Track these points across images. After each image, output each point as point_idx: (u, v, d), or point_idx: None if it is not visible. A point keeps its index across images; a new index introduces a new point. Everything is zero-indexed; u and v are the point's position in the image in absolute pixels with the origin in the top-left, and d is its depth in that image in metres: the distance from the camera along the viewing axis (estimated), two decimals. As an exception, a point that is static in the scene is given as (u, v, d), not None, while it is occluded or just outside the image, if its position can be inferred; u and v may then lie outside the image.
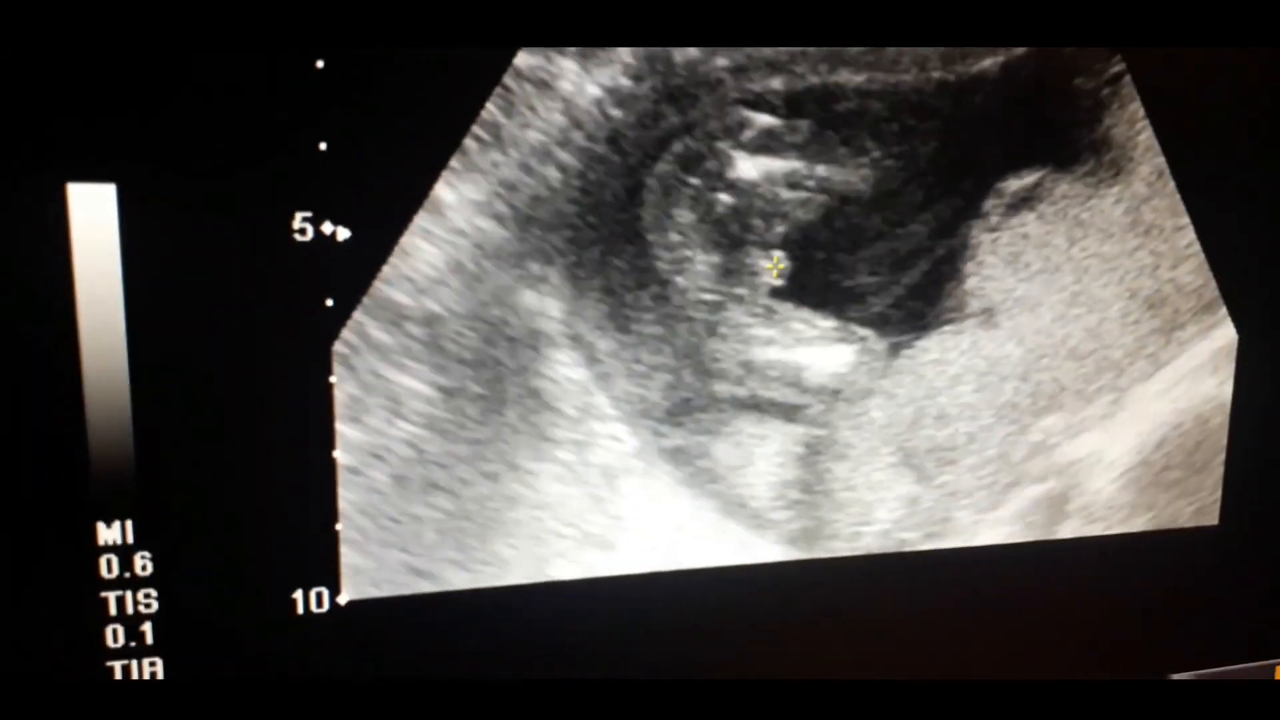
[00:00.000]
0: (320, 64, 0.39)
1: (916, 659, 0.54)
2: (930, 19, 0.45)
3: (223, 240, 0.40)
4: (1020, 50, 0.49)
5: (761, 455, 0.49)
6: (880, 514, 0.51)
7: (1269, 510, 0.58)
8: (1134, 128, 0.51)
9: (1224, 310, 0.55)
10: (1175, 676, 0.59)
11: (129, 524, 0.40)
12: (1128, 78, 0.50)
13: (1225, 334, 0.55)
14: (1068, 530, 0.55)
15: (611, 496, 0.47)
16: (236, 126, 0.39)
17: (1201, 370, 0.55)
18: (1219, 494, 0.57)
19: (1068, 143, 0.51)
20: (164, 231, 0.39)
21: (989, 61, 0.48)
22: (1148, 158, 0.52)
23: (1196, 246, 0.53)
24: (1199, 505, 0.57)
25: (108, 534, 0.40)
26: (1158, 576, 0.57)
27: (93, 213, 0.38)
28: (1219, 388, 0.56)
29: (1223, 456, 0.57)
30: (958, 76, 0.48)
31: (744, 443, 0.49)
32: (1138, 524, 0.56)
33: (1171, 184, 0.52)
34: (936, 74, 0.48)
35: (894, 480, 0.51)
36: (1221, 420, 0.56)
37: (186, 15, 0.37)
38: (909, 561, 0.52)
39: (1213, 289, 0.54)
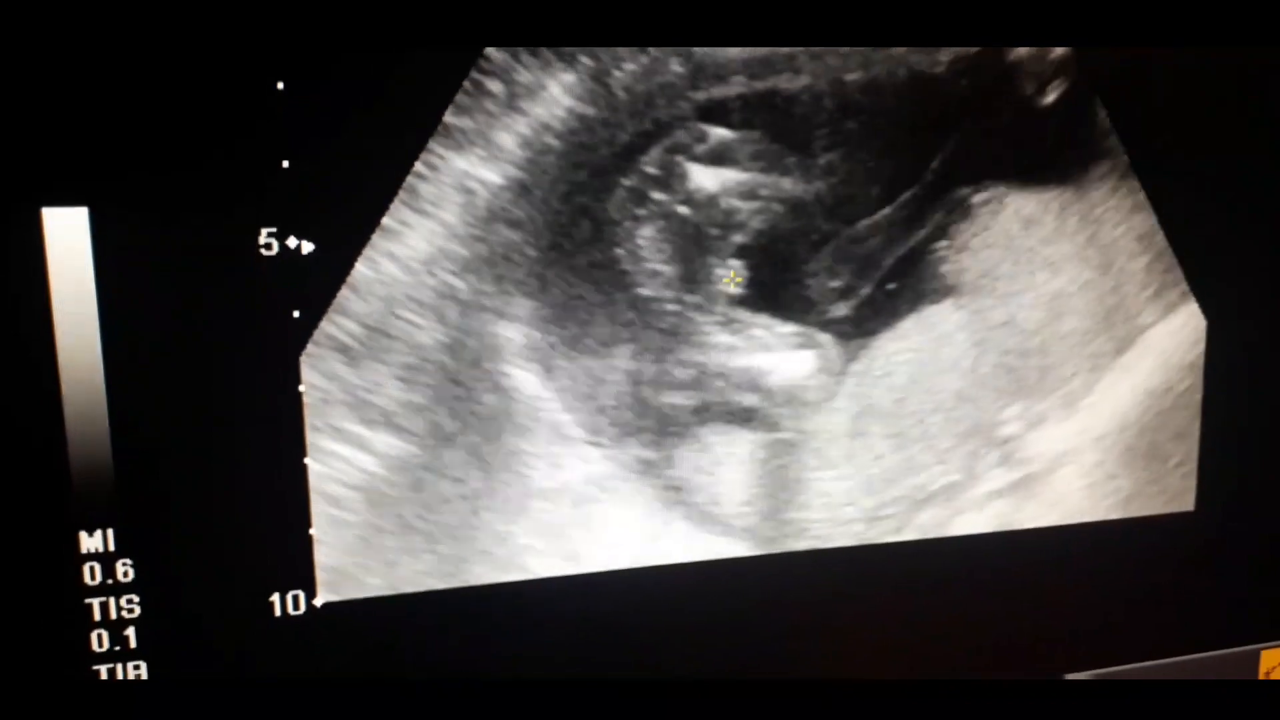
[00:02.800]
0: (280, 85, 0.41)
1: (891, 652, 0.54)
2: (906, 18, 0.46)
3: (192, 256, 0.41)
4: (970, 50, 0.50)
5: (727, 462, 0.50)
6: (848, 511, 0.52)
7: (1244, 494, 0.58)
8: (1091, 121, 0.52)
9: (1190, 298, 0.55)
10: (1157, 662, 0.59)
11: (110, 533, 0.42)
12: (1081, 74, 0.51)
13: (1192, 320, 0.56)
14: (1038, 520, 0.55)
15: (579, 505, 0.48)
16: (201, 147, 0.41)
17: (1166, 356, 0.56)
18: (1194, 480, 0.58)
19: (1021, 141, 0.52)
20: (135, 250, 0.41)
21: (940, 60, 0.50)
22: (1105, 150, 0.53)
23: (1157, 237, 0.54)
24: (1173, 491, 0.58)
25: (90, 542, 0.42)
26: (1135, 563, 0.58)
27: (66, 234, 0.40)
28: (1187, 374, 0.56)
29: (1196, 442, 0.57)
30: (907, 77, 0.49)
31: (709, 451, 0.50)
32: (1109, 512, 0.56)
33: (1129, 175, 0.53)
34: (889, 76, 0.49)
35: (859, 478, 0.52)
36: (1191, 406, 0.57)
37: (151, 41, 0.39)
38: (880, 554, 0.53)
39: (1176, 277, 0.55)
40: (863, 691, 0.49)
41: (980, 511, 0.54)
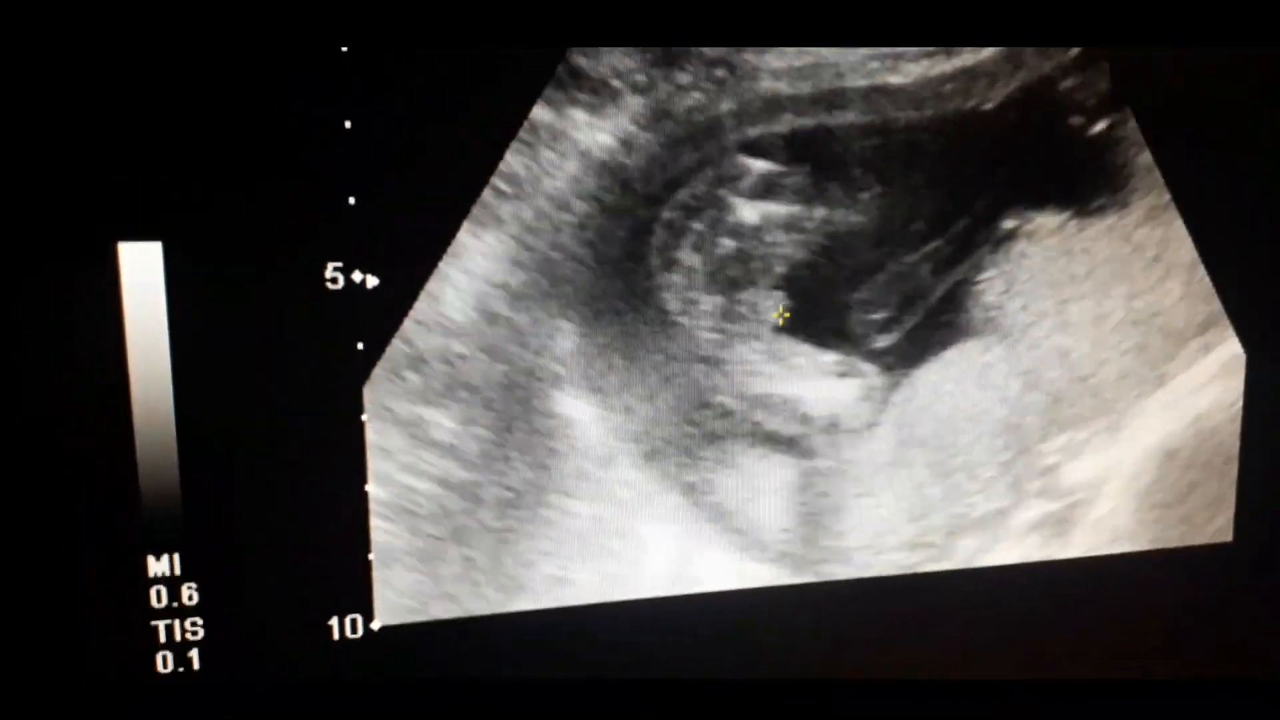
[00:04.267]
0: (348, 124, 0.42)
1: (928, 679, 0.55)
2: (931, 19, 0.47)
3: (260, 290, 0.43)
4: (1015, 85, 0.51)
5: (769, 488, 0.51)
6: (888, 540, 0.53)
7: (1282, 527, 0.59)
8: (1132, 155, 0.53)
9: (1229, 329, 0.56)
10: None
11: (176, 557, 0.43)
12: (1125, 110, 0.52)
13: (1231, 351, 0.56)
14: (1077, 550, 0.56)
15: (624, 530, 0.49)
16: (271, 184, 0.42)
17: (1207, 388, 0.56)
18: (1232, 511, 0.58)
19: (1065, 174, 0.53)
20: (205, 283, 0.42)
21: (985, 98, 0.51)
22: (1146, 184, 0.54)
23: (1198, 269, 0.55)
24: (1212, 522, 0.58)
25: (157, 566, 0.43)
26: (1174, 593, 0.58)
27: (141, 268, 0.41)
28: (1227, 405, 0.57)
29: (1234, 473, 0.58)
30: (954, 114, 0.50)
31: (752, 477, 0.51)
32: (1149, 542, 0.57)
33: (1169, 208, 0.54)
34: (931, 112, 0.50)
35: (900, 507, 0.53)
36: (1231, 437, 0.57)
37: (224, 83, 0.40)
38: (919, 582, 0.53)
39: (1216, 309, 0.56)
40: (862, 692, 0.49)
41: (1020, 541, 0.55)
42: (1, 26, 0.38)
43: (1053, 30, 0.49)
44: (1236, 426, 0.57)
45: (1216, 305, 0.56)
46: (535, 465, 0.47)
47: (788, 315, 0.49)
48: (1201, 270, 0.55)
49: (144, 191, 0.41)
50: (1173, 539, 0.58)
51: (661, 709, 0.49)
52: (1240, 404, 0.57)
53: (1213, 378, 0.57)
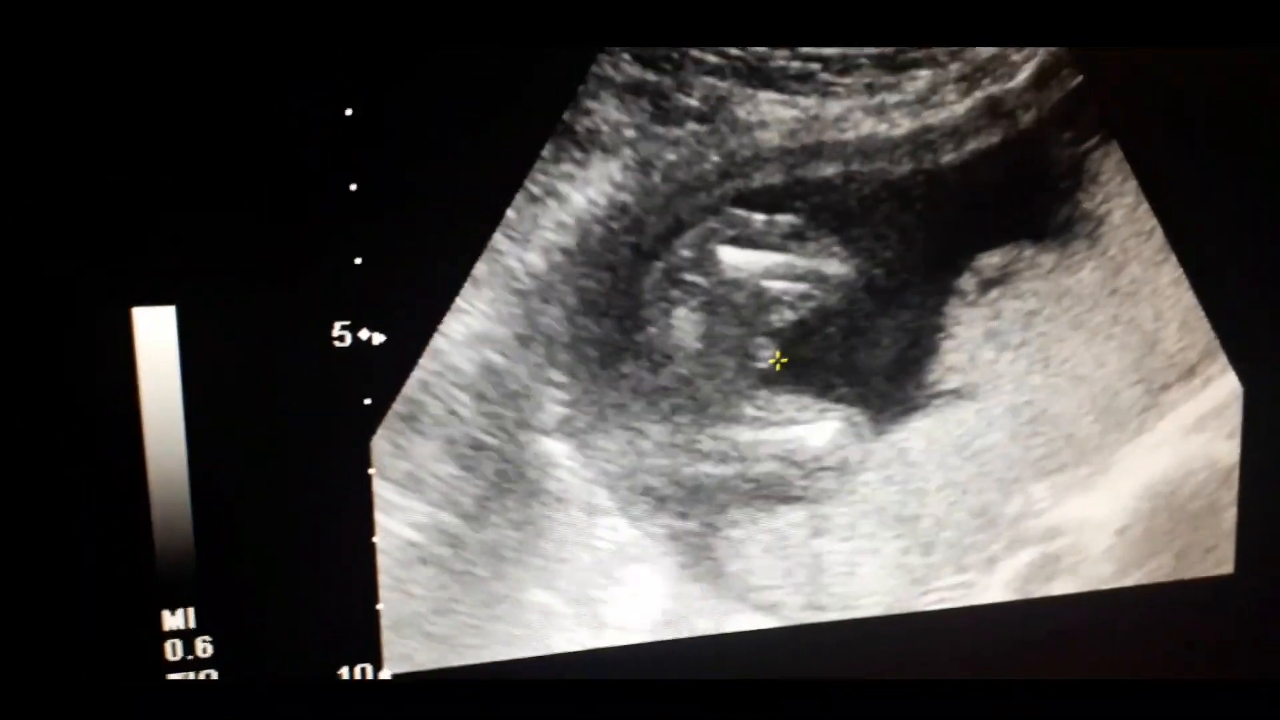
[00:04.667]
0: (353, 187, 0.44)
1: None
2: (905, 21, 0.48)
3: (270, 349, 0.44)
4: (994, 138, 0.52)
5: (757, 534, 0.52)
6: (877, 584, 0.54)
7: (1283, 557, 0.60)
8: (1111, 197, 0.54)
9: (1220, 362, 0.57)
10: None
11: (191, 611, 0.44)
12: (1102, 149, 0.53)
13: (1229, 386, 0.57)
14: (1077, 586, 0.56)
15: (618, 580, 0.50)
16: (279, 247, 0.44)
17: (1205, 423, 0.57)
18: (1232, 542, 0.59)
19: (1043, 219, 0.54)
20: (218, 345, 0.43)
21: (962, 148, 0.52)
22: (1127, 224, 0.55)
23: (1182, 304, 0.56)
24: (1213, 554, 0.59)
25: (172, 621, 0.44)
26: (1176, 625, 0.59)
27: (155, 332, 0.43)
28: (1225, 438, 0.58)
29: (1234, 505, 0.58)
30: (932, 165, 0.52)
31: (739, 523, 0.51)
32: (1149, 576, 0.57)
33: (1152, 246, 0.55)
34: (909, 165, 0.51)
35: (888, 551, 0.54)
36: (1228, 470, 0.58)
37: (232, 153, 0.42)
38: (911, 623, 0.54)
39: (1212, 346, 0.56)
40: (862, 692, 0.50)
41: (1013, 582, 0.56)
42: (21, 101, 0.40)
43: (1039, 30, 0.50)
44: (1235, 458, 0.58)
45: (1207, 342, 0.57)
46: (526, 515, 0.48)
47: (784, 361, 0.50)
48: (1196, 306, 0.56)
49: (158, 259, 0.42)
50: (1175, 572, 0.58)
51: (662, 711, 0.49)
52: (1239, 436, 0.58)
53: (1209, 411, 0.57)
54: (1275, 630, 0.60)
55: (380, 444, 0.46)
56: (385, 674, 0.47)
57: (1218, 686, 0.55)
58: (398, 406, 0.46)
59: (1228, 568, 0.59)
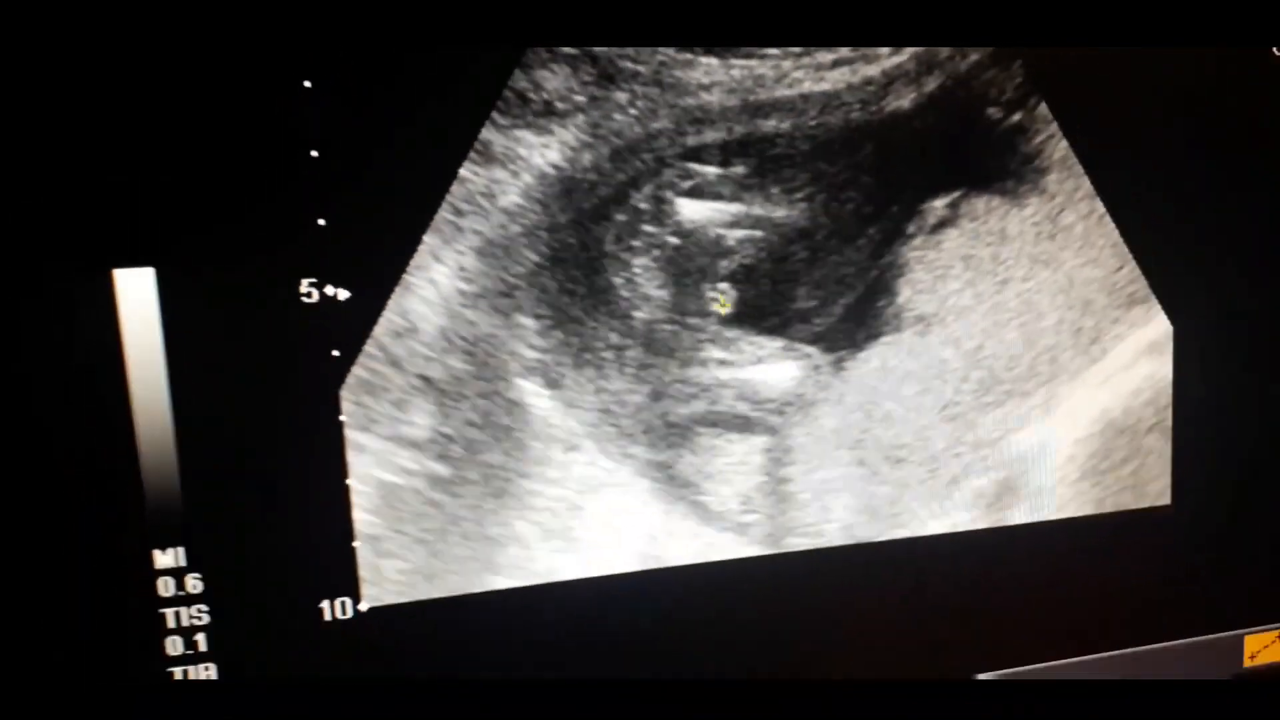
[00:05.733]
0: (315, 153, 0.47)
1: (883, 644, 0.59)
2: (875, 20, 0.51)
3: (243, 306, 0.47)
4: (932, 85, 0.55)
5: (725, 464, 0.55)
6: (836, 512, 0.57)
7: (1218, 488, 0.62)
8: (1048, 143, 0.57)
9: (1154, 304, 0.60)
10: (1145, 648, 0.63)
11: (181, 550, 0.48)
12: (1035, 97, 0.56)
13: (1158, 325, 0.60)
14: (1022, 517, 0.60)
15: (591, 509, 0.53)
16: (248, 210, 0.47)
17: (1139, 361, 0.60)
18: (1169, 476, 0.62)
19: (984, 164, 0.57)
20: (194, 303, 0.47)
21: (904, 98, 0.55)
22: (1063, 169, 0.57)
23: (1119, 248, 0.59)
24: (1150, 488, 0.62)
25: (163, 559, 0.48)
26: (1118, 556, 0.62)
27: (136, 291, 0.46)
28: (1159, 377, 0.61)
29: (1169, 440, 0.61)
30: (876, 114, 0.55)
31: (709, 455, 0.55)
32: (1090, 507, 0.61)
33: (1089, 191, 0.58)
34: (855, 114, 0.54)
35: (847, 479, 0.57)
36: (1163, 406, 0.61)
37: (207, 120, 0.45)
38: (870, 552, 0.57)
39: (1140, 285, 0.59)
40: (862, 692, 0.53)
41: (966, 510, 0.59)
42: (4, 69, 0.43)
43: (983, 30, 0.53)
44: (1168, 395, 0.61)
45: (1140, 285, 0.59)
46: (503, 454, 0.52)
47: (727, 305, 0.54)
48: (1123, 253, 0.59)
49: (138, 223, 0.46)
50: (1114, 504, 0.61)
51: (653, 708, 0.52)
52: (1170, 374, 0.61)
53: (1143, 351, 0.60)
54: (1212, 559, 0.63)
55: (359, 393, 0.49)
56: (363, 606, 0.50)
57: (1218, 686, 0.58)
58: (379, 361, 0.49)
59: (1165, 500, 0.62)
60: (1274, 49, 0.60)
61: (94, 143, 0.45)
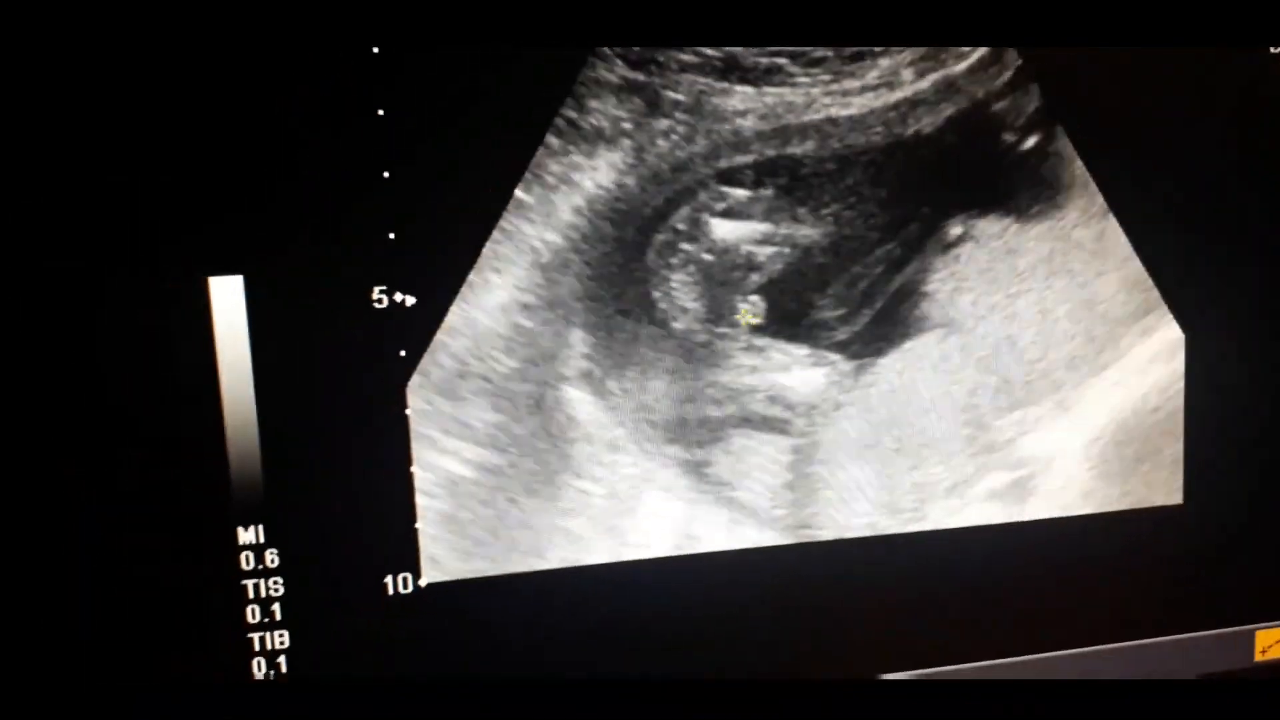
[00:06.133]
0: (386, 174, 0.53)
1: (899, 632, 0.63)
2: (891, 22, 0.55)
3: (320, 310, 0.53)
4: (952, 110, 0.59)
5: (756, 464, 0.60)
6: (860, 506, 0.61)
7: (1229, 488, 0.66)
8: (1064, 162, 0.61)
9: (1165, 312, 0.63)
10: (1156, 640, 0.66)
11: (261, 528, 0.53)
12: (1050, 119, 0.60)
13: (1171, 333, 0.64)
14: (1036, 514, 0.63)
15: (631, 503, 0.58)
16: (327, 225, 0.52)
17: (1151, 367, 0.64)
18: (1181, 475, 0.65)
19: (1002, 184, 0.61)
20: (278, 307, 0.52)
21: (925, 122, 0.59)
22: (1079, 190, 0.61)
23: (1132, 259, 0.62)
24: (1162, 486, 0.65)
25: (245, 536, 0.53)
26: (1130, 552, 0.65)
27: (227, 297, 0.52)
28: (1170, 381, 0.64)
29: (1181, 441, 0.65)
30: (898, 137, 0.59)
31: (740, 454, 0.59)
32: (1102, 505, 0.64)
33: (1102, 207, 0.61)
34: (878, 137, 0.59)
35: (870, 478, 0.61)
36: (1176, 410, 0.64)
37: (286, 154, 0.51)
38: (890, 544, 0.62)
39: (1154, 296, 0.63)
40: (861, 692, 0.56)
41: (981, 507, 0.63)
42: (106, 85, 0.49)
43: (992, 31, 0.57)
44: (1180, 400, 0.64)
45: (1154, 293, 0.63)
46: (552, 451, 0.57)
47: (753, 317, 0.58)
48: (1137, 262, 0.62)
49: (230, 237, 0.52)
50: (1128, 503, 0.65)
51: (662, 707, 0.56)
52: (1182, 378, 0.64)
53: (1155, 357, 0.64)
54: (1223, 556, 0.66)
55: (422, 389, 0.54)
56: (423, 582, 0.56)
57: (1216, 687, 0.60)
58: (442, 361, 0.54)
59: (1177, 499, 0.65)
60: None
61: (196, 166, 0.51)
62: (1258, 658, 0.68)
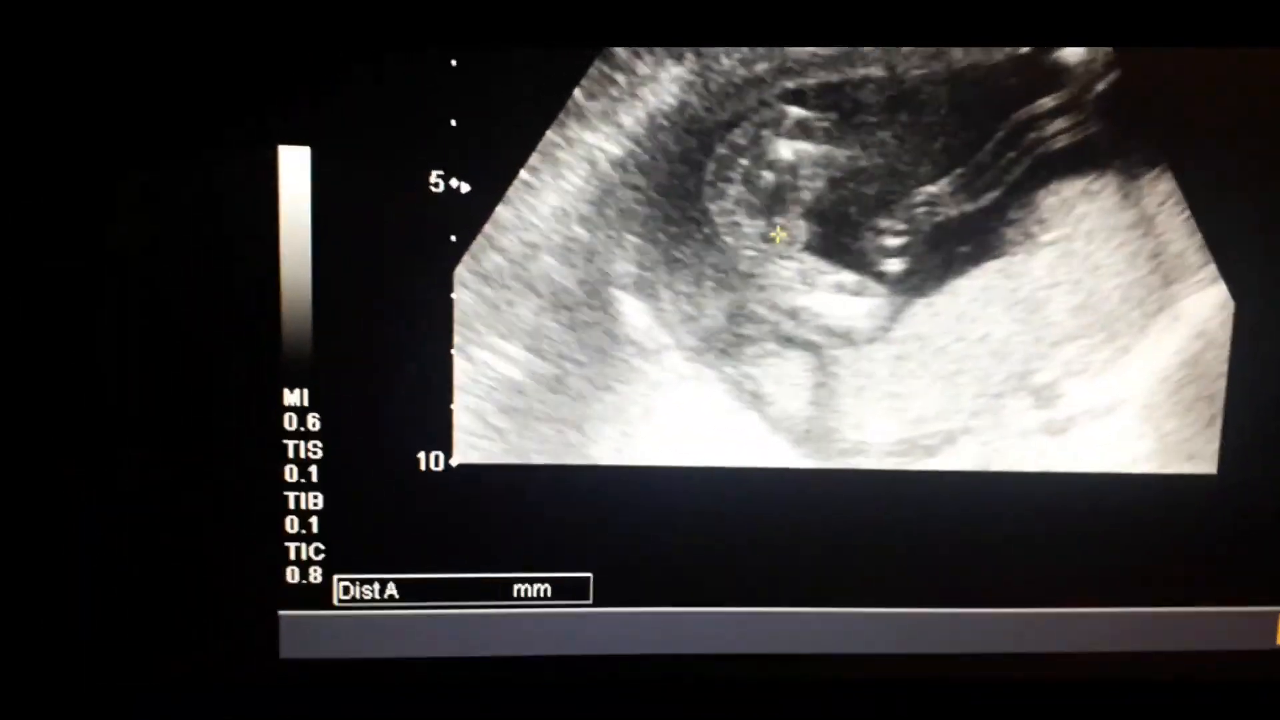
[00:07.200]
0: (454, 62, 0.55)
1: (907, 572, 0.63)
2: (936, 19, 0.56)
3: (380, 190, 0.55)
4: (1017, 50, 0.59)
5: (792, 384, 0.60)
6: (890, 436, 0.62)
7: (1266, 462, 0.65)
8: (1132, 112, 0.60)
9: (1219, 280, 0.62)
10: (1174, 609, 0.66)
11: (306, 392, 0.56)
12: (1120, 69, 0.60)
13: (1221, 298, 0.63)
14: (1066, 465, 0.63)
15: (664, 408, 0.59)
16: (392, 110, 0.54)
17: (1199, 330, 0.63)
18: (1217, 444, 0.64)
19: (1066, 128, 0.60)
20: (341, 181, 0.55)
21: (991, 57, 0.59)
22: (1143, 140, 0.61)
23: (1191, 222, 0.62)
24: (1198, 454, 0.65)
25: (291, 397, 0.56)
26: (1158, 518, 0.65)
27: (294, 166, 0.54)
28: (1216, 347, 0.63)
29: (1221, 409, 0.64)
30: (961, 66, 0.59)
31: (779, 373, 0.60)
32: (1135, 465, 0.64)
33: (1166, 167, 0.61)
34: (941, 65, 0.59)
35: (906, 409, 0.62)
36: (1219, 376, 0.64)
37: (365, 35, 0.53)
38: (913, 480, 0.62)
39: (1208, 258, 0.62)
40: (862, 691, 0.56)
41: (1012, 451, 0.63)
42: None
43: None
44: (1224, 366, 0.64)
45: (1206, 259, 0.62)
46: (596, 350, 0.58)
47: (784, 236, 0.59)
48: (1194, 224, 0.62)
49: (303, 110, 0.54)
50: (1157, 465, 0.64)
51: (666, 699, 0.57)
52: (1228, 345, 0.63)
53: (1203, 320, 0.63)
54: (1252, 533, 0.66)
55: (470, 276, 0.56)
56: (454, 461, 0.58)
57: (1213, 687, 0.60)
58: (494, 255, 0.56)
59: (1211, 468, 0.65)
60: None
61: (275, 44, 0.53)
62: (1279, 642, 0.67)
